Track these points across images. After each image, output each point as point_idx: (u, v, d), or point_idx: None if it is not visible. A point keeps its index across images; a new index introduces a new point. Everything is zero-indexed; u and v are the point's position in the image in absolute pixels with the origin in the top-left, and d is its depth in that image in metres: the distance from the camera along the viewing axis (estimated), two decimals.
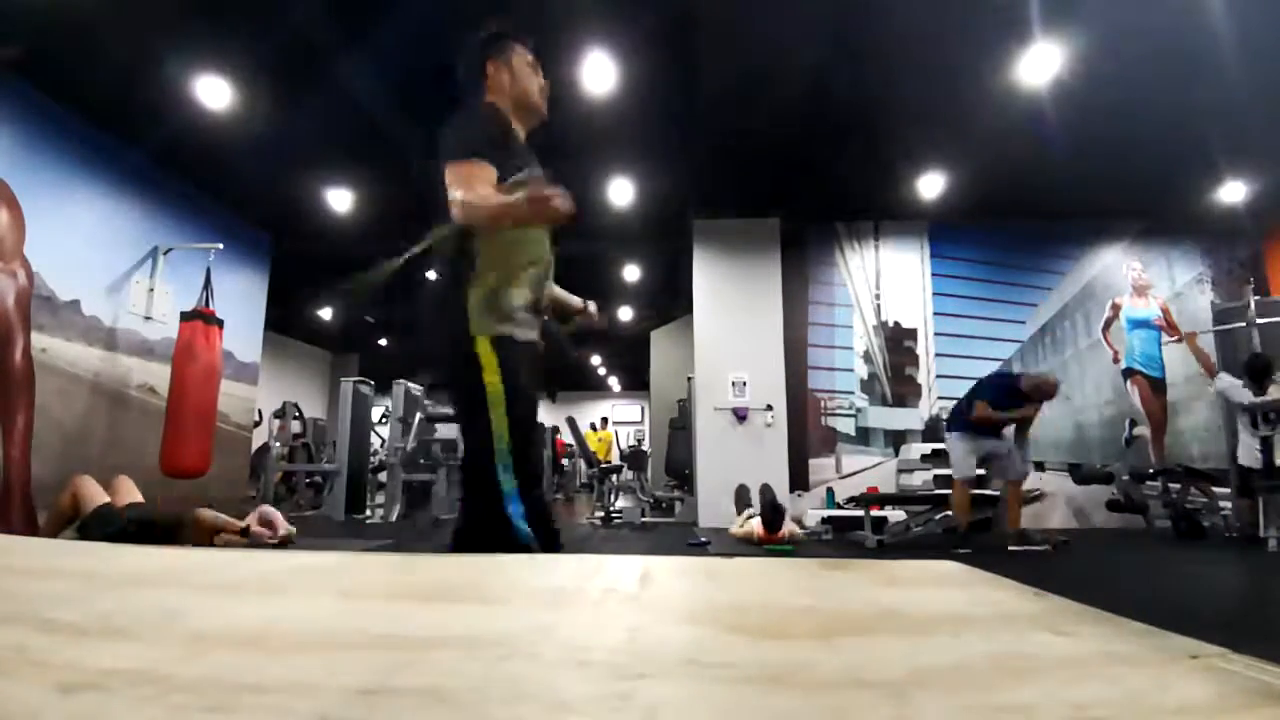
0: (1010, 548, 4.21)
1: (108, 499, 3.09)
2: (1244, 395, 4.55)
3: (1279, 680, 0.36)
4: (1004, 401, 4.46)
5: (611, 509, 6.81)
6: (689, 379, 7.07)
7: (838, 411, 6.48)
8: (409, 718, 0.32)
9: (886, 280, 6.73)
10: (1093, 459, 6.20)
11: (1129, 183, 5.88)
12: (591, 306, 2.05)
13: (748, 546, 4.70)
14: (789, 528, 4.68)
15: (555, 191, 1.44)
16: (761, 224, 6.63)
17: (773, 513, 4.57)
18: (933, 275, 6.73)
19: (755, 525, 4.76)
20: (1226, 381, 4.74)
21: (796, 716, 0.33)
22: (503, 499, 1.50)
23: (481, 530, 1.52)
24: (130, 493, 3.27)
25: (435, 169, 1.57)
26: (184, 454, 4.60)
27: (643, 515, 6.69)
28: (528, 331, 1.69)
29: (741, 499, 5.54)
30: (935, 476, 5.56)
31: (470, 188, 1.50)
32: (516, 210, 1.47)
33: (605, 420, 12.52)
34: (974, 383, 4.85)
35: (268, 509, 3.49)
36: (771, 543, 4.54)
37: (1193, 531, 4.98)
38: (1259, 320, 5.14)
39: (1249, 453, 4.57)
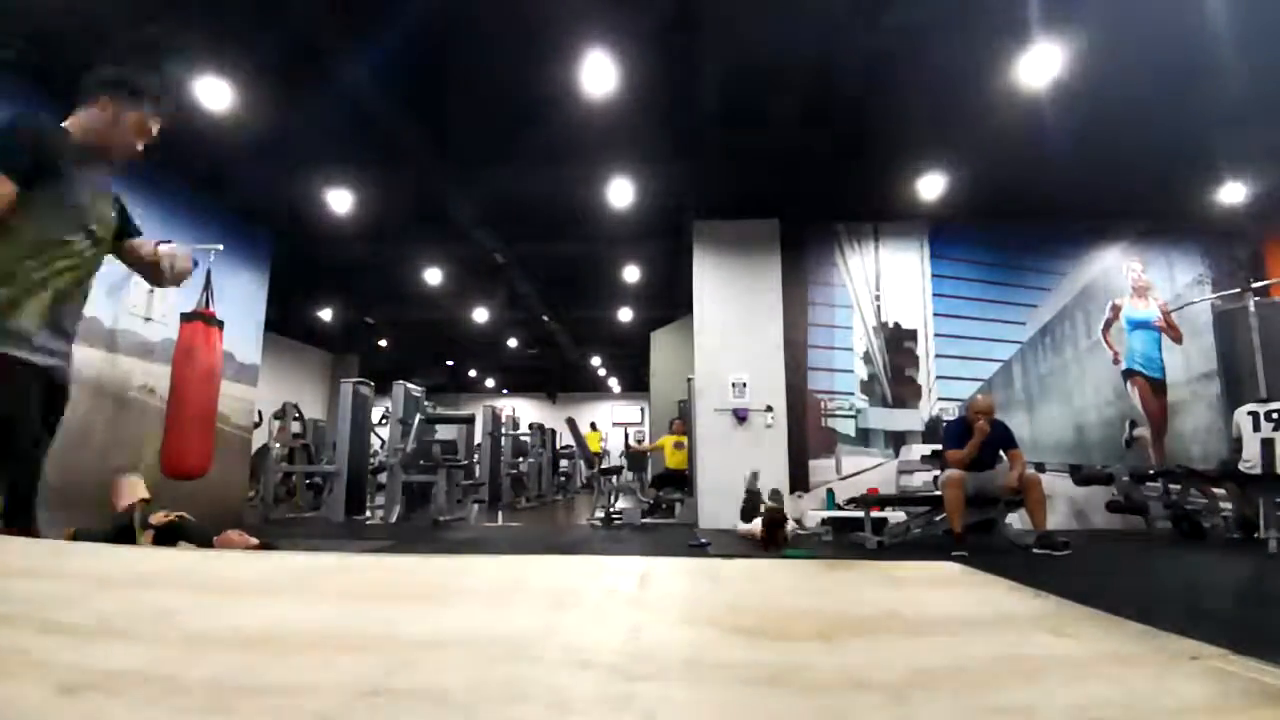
0: (1034, 550, 4.05)
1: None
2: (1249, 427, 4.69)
3: (1279, 681, 0.36)
4: (965, 442, 4.43)
5: (612, 510, 6.81)
6: (689, 380, 7.07)
7: (838, 412, 6.47)
8: (409, 719, 0.32)
9: (886, 281, 6.73)
10: (1093, 460, 6.20)
11: (1129, 183, 5.88)
12: (165, 250, 1.94)
13: (754, 545, 4.71)
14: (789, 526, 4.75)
15: None
16: (761, 225, 6.63)
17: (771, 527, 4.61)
18: (933, 276, 6.73)
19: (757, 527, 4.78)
20: (1241, 418, 4.83)
21: (796, 717, 0.33)
22: None
23: None
24: (132, 492, 3.29)
25: None
26: (184, 455, 4.60)
27: (643, 516, 6.69)
28: (31, 354, 1.64)
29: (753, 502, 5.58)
30: (935, 478, 5.56)
31: None
32: None
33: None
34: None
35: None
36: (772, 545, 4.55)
37: (1193, 532, 4.98)
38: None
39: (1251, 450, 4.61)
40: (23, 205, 1.59)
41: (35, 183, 1.60)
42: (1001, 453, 4.51)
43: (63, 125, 1.74)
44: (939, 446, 5.93)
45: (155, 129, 1.86)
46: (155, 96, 1.83)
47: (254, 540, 3.09)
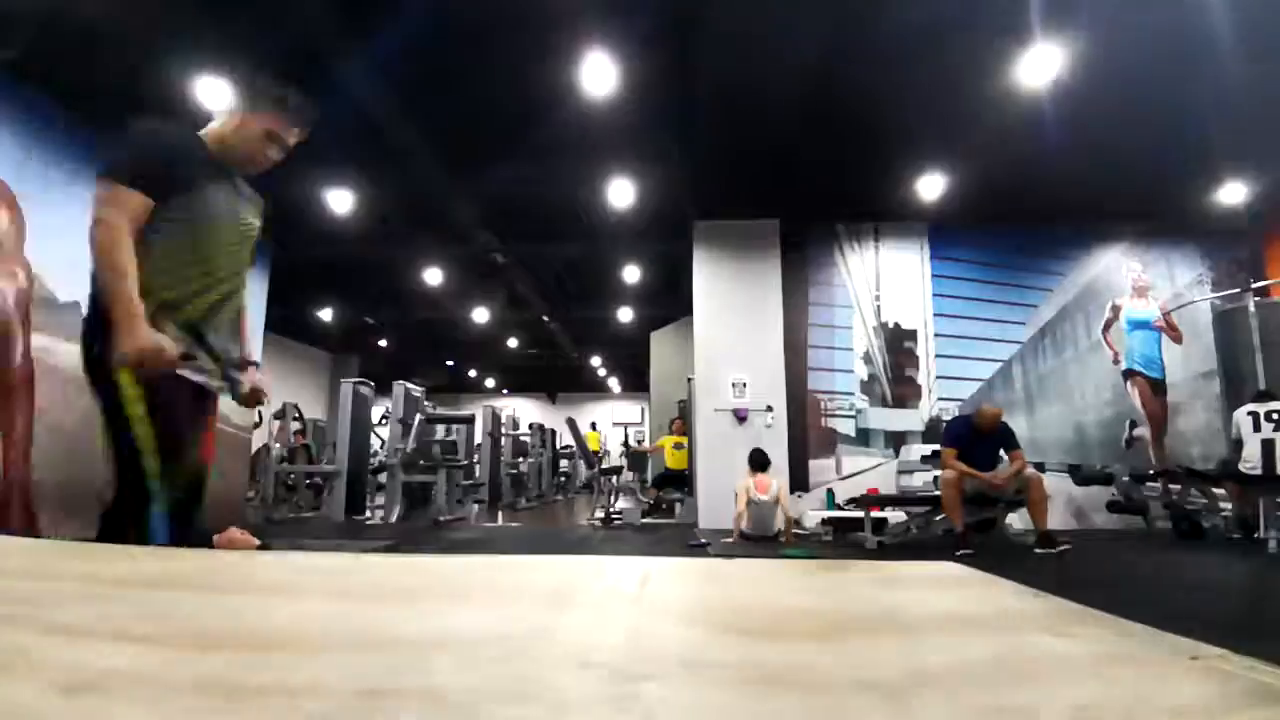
0: (1034, 549, 4.08)
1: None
2: (1249, 427, 4.71)
3: (1279, 680, 0.36)
4: (966, 443, 4.50)
5: (612, 510, 6.81)
6: (689, 380, 7.07)
7: (838, 413, 6.47)
8: (409, 719, 0.32)
9: (887, 281, 6.73)
10: (1093, 460, 6.19)
11: (1129, 184, 5.88)
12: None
13: (748, 547, 4.71)
14: None
15: (150, 342, 1.48)
16: (761, 225, 6.63)
17: None
18: (933, 276, 6.73)
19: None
20: (1241, 418, 4.85)
21: (796, 717, 0.33)
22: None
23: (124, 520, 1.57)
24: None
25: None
26: None
27: (643, 516, 6.69)
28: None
29: None
30: (935, 478, 5.55)
31: (107, 215, 1.50)
32: (116, 290, 1.48)
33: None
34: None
35: None
36: None
37: (1193, 532, 4.98)
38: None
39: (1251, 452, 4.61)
40: (161, 218, 1.57)
41: (164, 190, 1.58)
42: (1003, 452, 4.52)
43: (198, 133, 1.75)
44: (939, 446, 5.94)
45: (291, 140, 1.91)
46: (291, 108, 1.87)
47: (255, 541, 3.08)
